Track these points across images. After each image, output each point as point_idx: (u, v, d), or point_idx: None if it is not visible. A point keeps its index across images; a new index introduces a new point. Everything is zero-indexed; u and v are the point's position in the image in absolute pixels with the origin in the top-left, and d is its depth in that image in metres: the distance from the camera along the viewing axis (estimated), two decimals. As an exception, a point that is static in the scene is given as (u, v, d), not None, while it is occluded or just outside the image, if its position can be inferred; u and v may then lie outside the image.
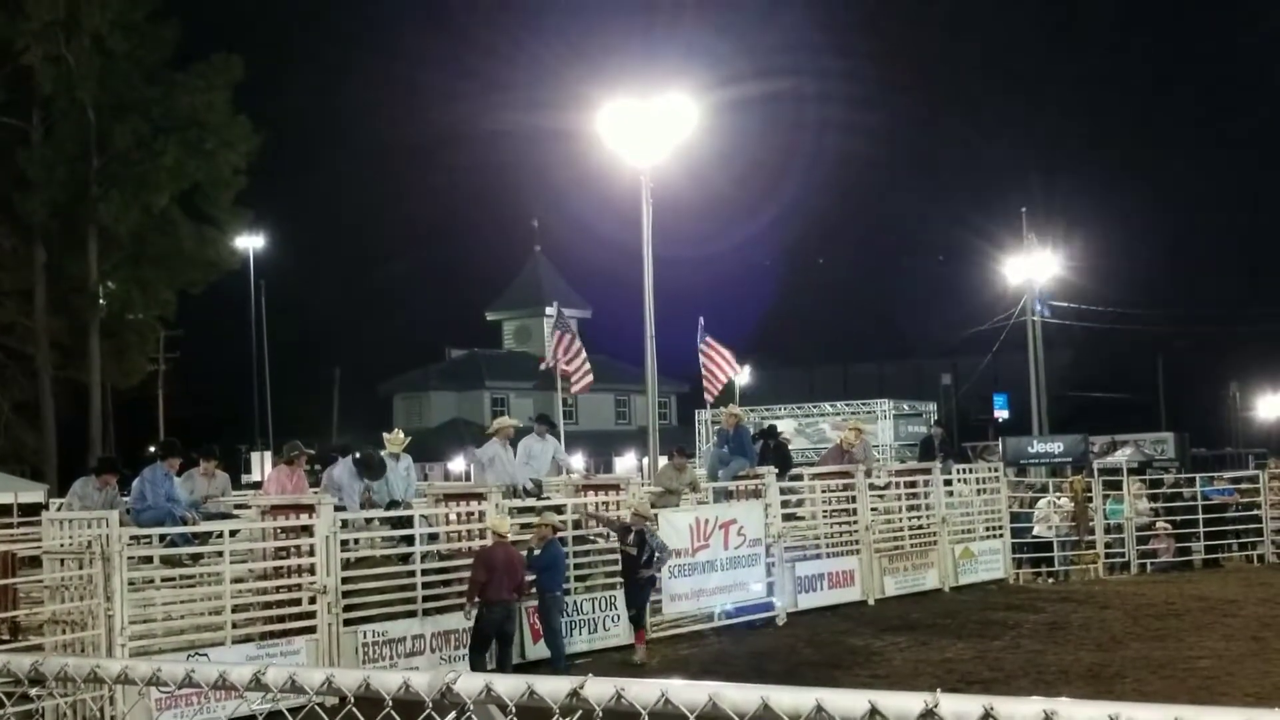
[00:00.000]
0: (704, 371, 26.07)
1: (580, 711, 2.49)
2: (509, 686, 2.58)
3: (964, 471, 24.83)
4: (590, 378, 25.46)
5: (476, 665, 14.42)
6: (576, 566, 17.05)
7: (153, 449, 16.33)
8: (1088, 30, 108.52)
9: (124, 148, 43.20)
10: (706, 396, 26.99)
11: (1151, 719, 2.11)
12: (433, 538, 16.31)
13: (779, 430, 25.46)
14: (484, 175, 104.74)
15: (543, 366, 25.90)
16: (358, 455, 16.50)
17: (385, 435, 17.56)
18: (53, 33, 41.82)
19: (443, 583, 15.89)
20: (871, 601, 20.80)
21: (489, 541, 15.44)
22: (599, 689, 2.46)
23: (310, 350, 66.49)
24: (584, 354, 25.25)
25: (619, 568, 16.81)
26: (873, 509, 21.62)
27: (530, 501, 17.63)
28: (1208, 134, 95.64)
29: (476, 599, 14.71)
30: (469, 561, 16.01)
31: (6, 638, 12.93)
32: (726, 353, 26.35)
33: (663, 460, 23.52)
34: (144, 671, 3.19)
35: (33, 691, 3.75)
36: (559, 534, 16.27)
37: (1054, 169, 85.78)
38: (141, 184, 43.14)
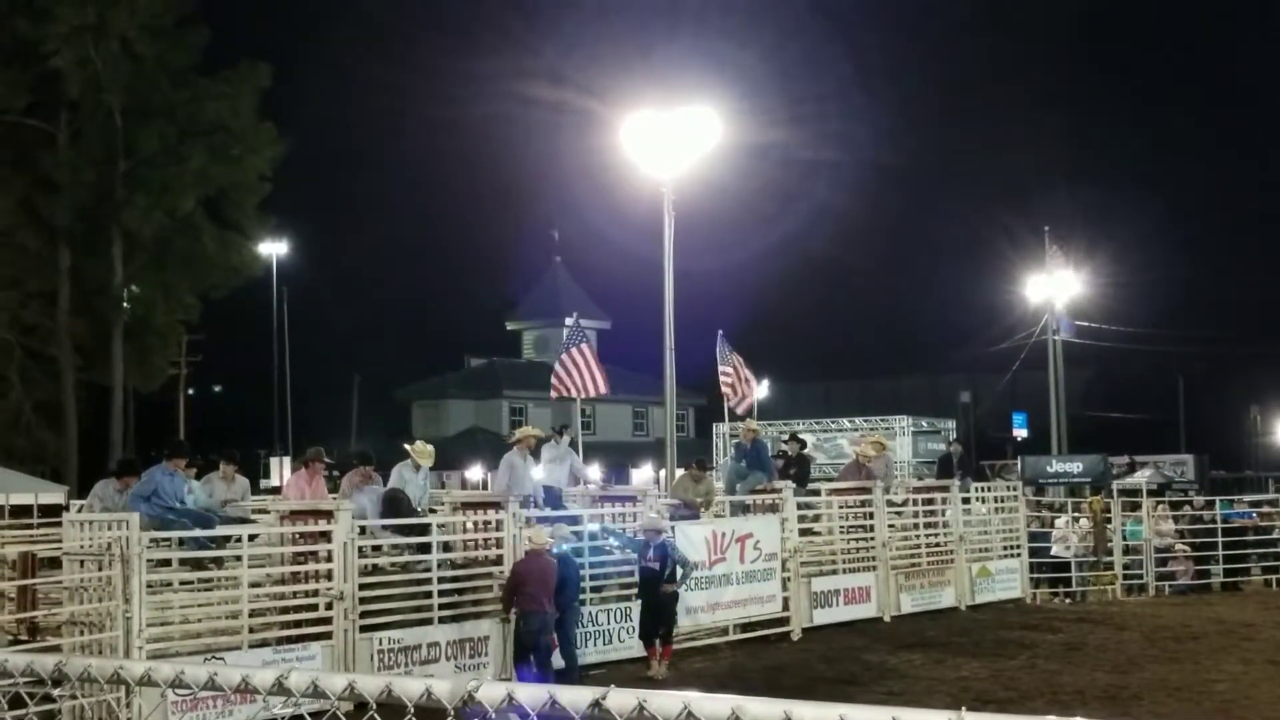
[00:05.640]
0: (725, 388, 25.97)
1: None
2: (530, 695, 2.60)
3: (982, 490, 24.78)
4: (599, 387, 24.32)
5: (521, 676, 14.41)
6: (591, 578, 17.03)
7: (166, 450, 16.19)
8: (1112, 50, 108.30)
9: (150, 152, 43.43)
10: (735, 407, 26.60)
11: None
12: (446, 547, 16.25)
13: (804, 440, 25.43)
14: (505, 185, 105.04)
15: (553, 396, 25.17)
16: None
17: (415, 446, 17.30)
18: (81, 36, 42.06)
19: (458, 591, 15.89)
20: (887, 618, 20.75)
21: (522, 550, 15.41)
22: (621, 700, 2.47)
23: (330, 356, 66.70)
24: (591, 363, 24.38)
25: (635, 580, 16.76)
26: (890, 526, 21.58)
27: (545, 511, 17.63)
28: (1234, 154, 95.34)
29: (514, 610, 14.76)
30: (486, 570, 16.06)
31: (25, 638, 12.98)
32: (748, 372, 26.32)
33: (680, 472, 23.49)
34: (167, 673, 3.22)
35: (55, 692, 3.79)
36: (576, 544, 16.27)
37: (1078, 187, 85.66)
38: (166, 188, 43.35)
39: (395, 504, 15.99)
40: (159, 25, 43.55)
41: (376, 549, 15.82)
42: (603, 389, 24.27)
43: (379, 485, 16.68)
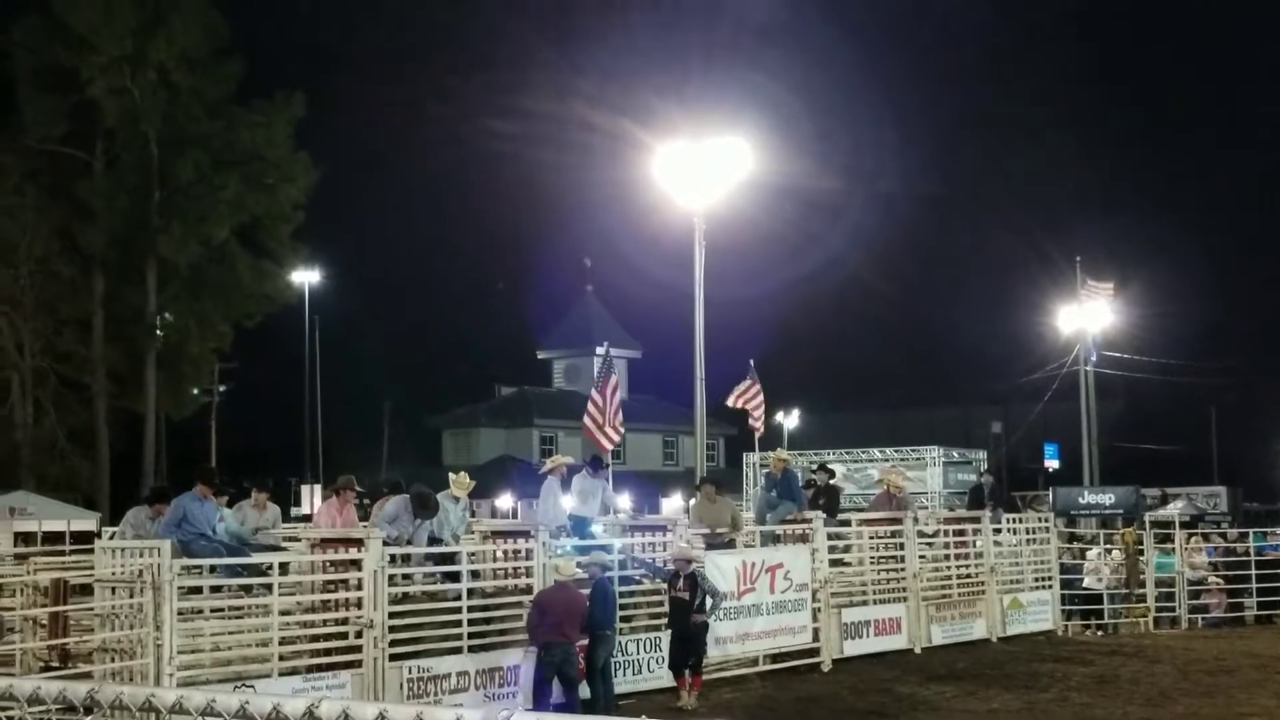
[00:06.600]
0: (735, 395, 26.22)
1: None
2: (560, 727, 2.61)
3: (1013, 521, 24.63)
4: (616, 434, 23.98)
5: (539, 708, 14.35)
6: (621, 607, 16.99)
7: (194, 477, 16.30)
8: (1143, 85, 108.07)
9: (185, 181, 43.87)
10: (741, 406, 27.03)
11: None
12: (474, 575, 16.26)
13: (833, 471, 25.38)
14: (537, 214, 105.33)
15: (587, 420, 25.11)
16: (414, 492, 16.38)
17: (451, 476, 17.50)
18: (119, 66, 42.57)
19: (486, 620, 15.87)
20: (918, 650, 20.63)
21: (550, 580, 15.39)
22: (649, 732, 2.48)
23: (361, 384, 66.88)
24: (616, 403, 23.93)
25: (665, 609, 16.72)
26: (921, 557, 21.48)
27: (575, 540, 17.66)
28: (1266, 185, 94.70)
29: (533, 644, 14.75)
30: (516, 599, 16.04)
31: (57, 665, 13.06)
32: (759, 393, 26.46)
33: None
34: (199, 702, 3.25)
35: None
36: (607, 573, 16.24)
37: (1111, 218, 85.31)
38: (201, 217, 43.78)
39: (424, 500, 16.08)
40: (195, 56, 44.04)
41: (407, 559, 15.91)
42: (615, 438, 24.01)
43: None
